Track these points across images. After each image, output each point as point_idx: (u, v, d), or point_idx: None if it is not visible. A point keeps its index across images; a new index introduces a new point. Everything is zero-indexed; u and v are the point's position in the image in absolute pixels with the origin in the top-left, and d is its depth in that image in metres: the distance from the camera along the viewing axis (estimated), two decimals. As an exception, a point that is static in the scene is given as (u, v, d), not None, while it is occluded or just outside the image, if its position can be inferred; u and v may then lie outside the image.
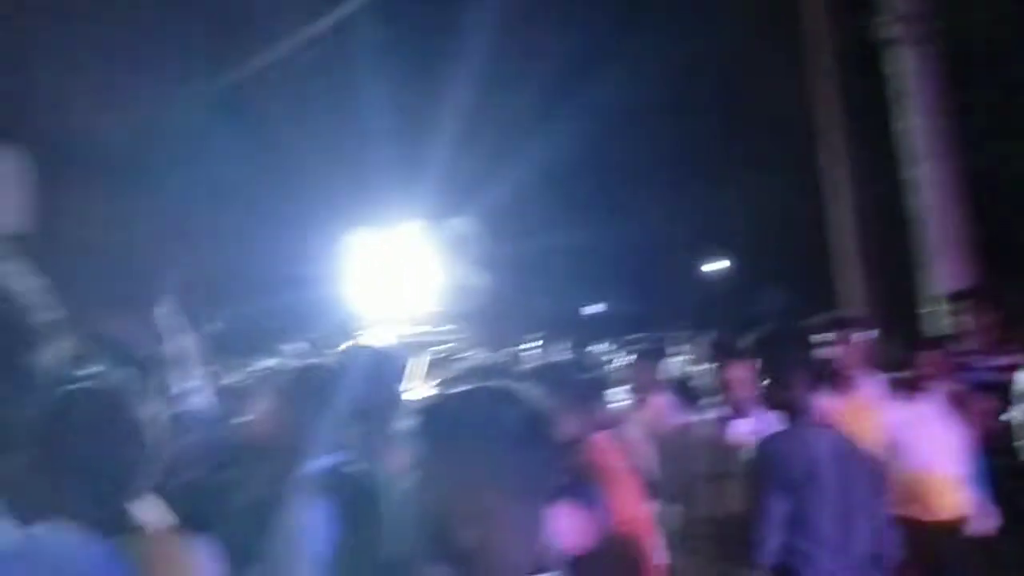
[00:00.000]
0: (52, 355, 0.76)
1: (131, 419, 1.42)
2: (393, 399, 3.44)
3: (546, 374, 2.42)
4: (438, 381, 4.39)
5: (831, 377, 3.61)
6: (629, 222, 12.84)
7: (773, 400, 2.55)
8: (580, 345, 5.66)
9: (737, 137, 12.38)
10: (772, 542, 2.36)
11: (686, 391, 4.02)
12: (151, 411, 2.11)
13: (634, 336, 4.83)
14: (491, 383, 1.29)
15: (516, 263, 11.13)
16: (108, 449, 1.35)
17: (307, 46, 9.26)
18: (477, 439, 1.14)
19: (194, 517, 2.21)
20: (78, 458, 1.33)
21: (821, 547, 2.36)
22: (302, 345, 4.64)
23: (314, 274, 9.63)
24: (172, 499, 2.19)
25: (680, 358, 4.78)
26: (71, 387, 1.49)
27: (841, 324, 3.78)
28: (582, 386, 2.57)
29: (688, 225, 13.72)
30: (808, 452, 2.40)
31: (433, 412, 1.22)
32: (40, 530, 0.78)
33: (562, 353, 5.51)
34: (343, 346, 2.57)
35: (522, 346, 5.92)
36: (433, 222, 10.15)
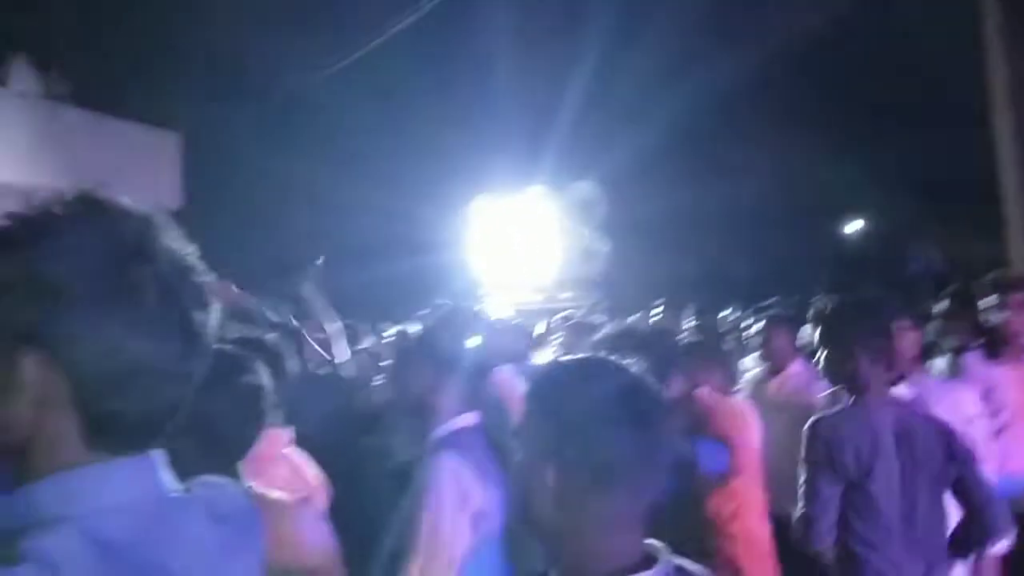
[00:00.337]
0: (215, 316, 0.81)
1: (248, 383, 1.44)
2: (518, 358, 3.42)
3: (624, 341, 2.30)
4: (562, 348, 4.36)
5: (997, 342, 3.27)
6: (760, 182, 12.27)
7: (832, 375, 2.36)
8: (706, 310, 5.42)
9: (886, 92, 11.54)
10: (824, 525, 2.19)
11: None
12: (290, 374, 2.19)
13: (767, 301, 4.57)
14: (594, 355, 1.22)
15: (641, 227, 10.89)
16: (222, 412, 1.37)
17: (432, 13, 9.32)
18: (556, 413, 1.07)
19: (338, 480, 2.29)
20: (192, 414, 1.37)
21: (886, 534, 2.17)
22: (430, 311, 4.71)
23: (438, 241, 9.82)
24: (319, 462, 2.27)
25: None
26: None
27: (1007, 286, 3.37)
28: (668, 353, 2.42)
29: (826, 184, 12.95)
30: (869, 432, 2.20)
31: (534, 381, 1.16)
32: (199, 482, 0.84)
33: (680, 319, 5.32)
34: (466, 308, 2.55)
35: (647, 312, 5.76)
36: (555, 187, 10.08)
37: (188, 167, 9.03)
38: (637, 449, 1.04)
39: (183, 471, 0.87)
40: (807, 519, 2.22)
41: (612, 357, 1.16)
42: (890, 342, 2.35)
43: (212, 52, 9.23)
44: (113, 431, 0.75)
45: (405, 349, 2.18)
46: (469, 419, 1.97)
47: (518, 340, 5.05)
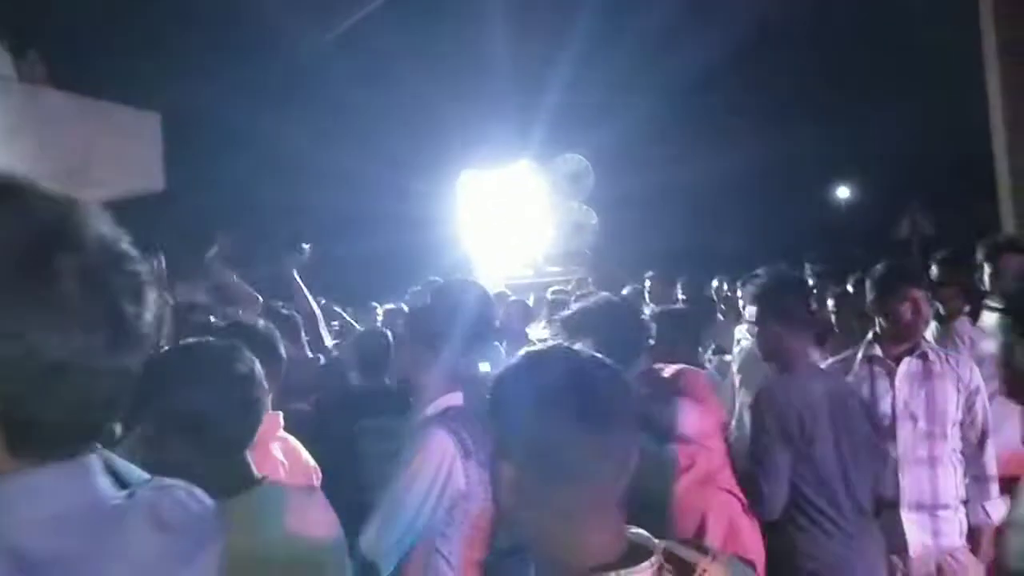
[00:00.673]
0: (152, 306, 0.73)
1: (237, 373, 1.41)
2: (510, 335, 3.40)
3: (586, 320, 2.27)
4: (548, 322, 4.36)
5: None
6: (749, 153, 12.23)
7: (767, 349, 2.46)
8: (694, 281, 5.42)
9: (875, 59, 11.49)
10: (778, 492, 2.26)
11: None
12: (281, 359, 2.18)
13: (755, 271, 4.55)
14: (548, 346, 1.18)
15: (629, 200, 10.86)
16: (213, 403, 1.34)
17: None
18: (503, 411, 1.05)
19: (335, 463, 2.28)
20: (183, 413, 1.34)
21: (831, 497, 2.26)
22: (423, 287, 4.69)
23: (428, 216, 9.77)
24: (319, 446, 2.26)
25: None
26: (184, 344, 1.52)
27: (998, 249, 3.35)
28: (630, 330, 2.39)
29: (814, 153, 12.93)
30: (805, 399, 2.29)
31: (493, 378, 1.12)
32: (146, 486, 0.75)
33: (671, 290, 5.32)
34: (453, 284, 2.52)
35: (633, 285, 5.76)
36: (544, 161, 10.02)
37: (169, 147, 8.89)
38: (586, 443, 0.99)
39: (182, 471, 0.83)
40: (761, 488, 2.27)
41: (568, 343, 1.13)
42: (811, 316, 2.43)
43: (191, 29, 9.08)
44: (37, 435, 0.68)
45: (398, 328, 2.17)
46: (456, 398, 1.96)
47: (514, 315, 5.04)
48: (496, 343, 3.57)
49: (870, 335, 2.71)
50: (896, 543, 2.47)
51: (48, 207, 0.70)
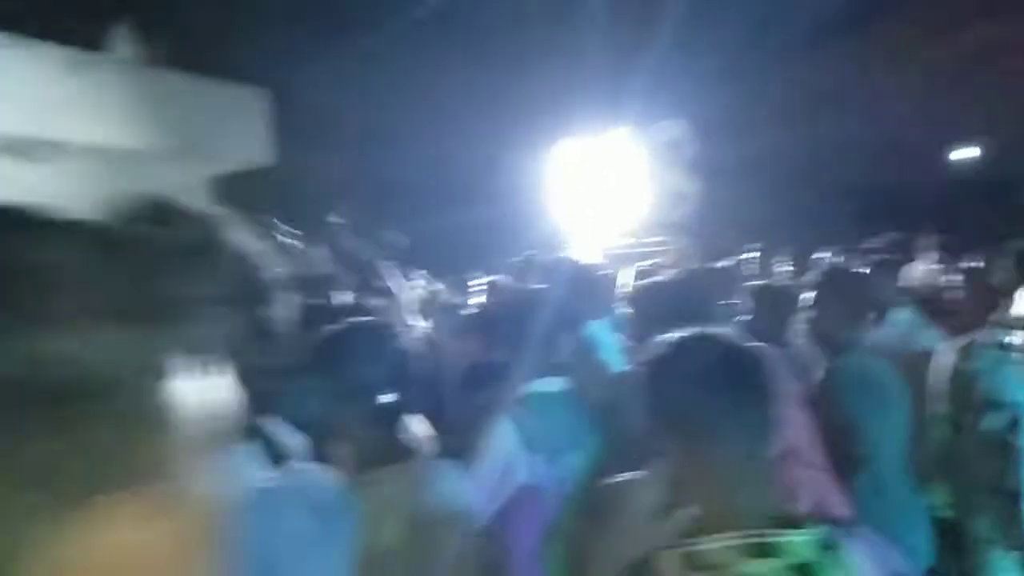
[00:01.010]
0: (284, 307, 0.84)
1: (398, 348, 1.54)
2: (602, 313, 3.36)
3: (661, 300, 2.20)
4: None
5: None
6: (862, 115, 11.54)
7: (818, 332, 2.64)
8: (804, 252, 5.17)
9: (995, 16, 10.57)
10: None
11: (932, 306, 3.51)
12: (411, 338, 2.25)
13: (871, 240, 4.30)
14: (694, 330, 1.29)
15: (733, 167, 10.47)
16: (380, 377, 1.46)
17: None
18: (664, 388, 1.23)
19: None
20: (354, 386, 1.44)
21: None
22: (515, 260, 4.69)
23: (521, 186, 9.74)
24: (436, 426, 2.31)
25: (926, 265, 4.17)
26: (350, 321, 1.65)
27: None
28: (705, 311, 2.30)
29: (931, 112, 12.08)
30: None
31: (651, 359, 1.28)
32: (287, 470, 0.84)
33: (777, 263, 5.10)
34: (550, 260, 2.50)
35: (740, 256, 5.56)
36: (642, 127, 9.77)
37: (277, 123, 9.22)
38: (743, 417, 1.17)
39: (350, 442, 0.90)
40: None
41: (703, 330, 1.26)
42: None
43: (296, 7, 9.32)
44: None
45: (488, 310, 2.16)
46: (552, 381, 1.94)
47: (606, 290, 4.98)
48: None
49: (997, 315, 2.51)
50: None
51: (193, 227, 0.80)
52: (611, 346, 2.13)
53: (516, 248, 5.40)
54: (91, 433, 0.42)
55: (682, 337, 1.27)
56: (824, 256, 5.33)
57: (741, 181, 10.87)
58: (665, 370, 1.21)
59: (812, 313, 2.61)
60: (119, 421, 0.44)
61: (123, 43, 8.87)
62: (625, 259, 6.77)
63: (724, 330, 1.30)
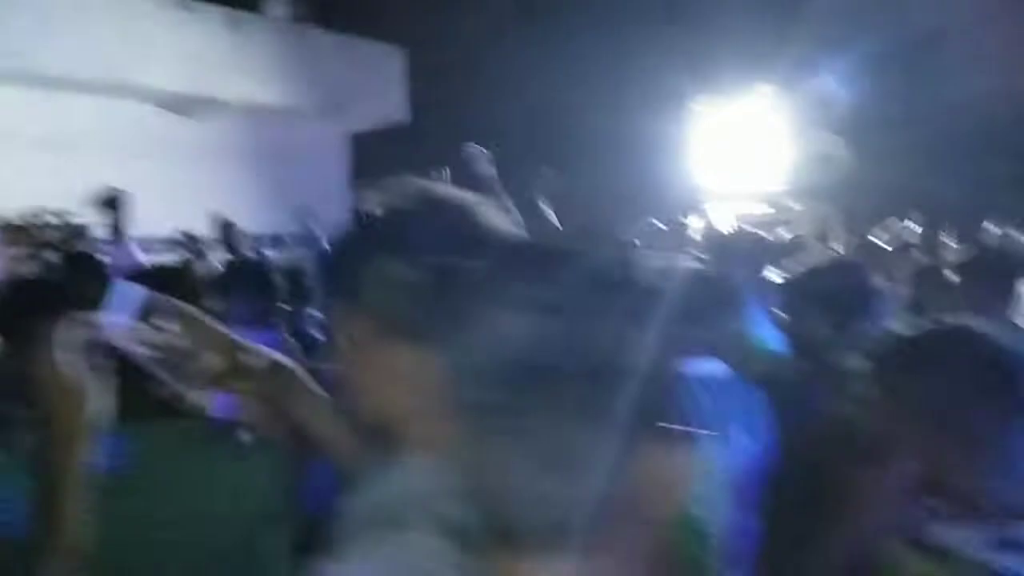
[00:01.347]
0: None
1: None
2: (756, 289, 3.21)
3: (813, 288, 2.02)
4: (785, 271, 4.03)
5: None
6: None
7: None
8: (970, 225, 4.72)
9: None
10: None
11: None
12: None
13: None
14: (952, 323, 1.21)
15: (886, 129, 9.72)
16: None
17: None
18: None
19: None
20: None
21: None
22: (645, 228, 4.56)
23: (657, 146, 9.47)
24: None
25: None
26: None
27: None
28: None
29: None
30: None
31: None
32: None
33: (932, 237, 4.70)
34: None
35: (892, 228, 5.16)
36: (786, 86, 9.24)
37: (413, 81, 9.41)
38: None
39: None
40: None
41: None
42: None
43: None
44: None
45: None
46: (709, 366, 1.83)
47: (752, 256, 4.75)
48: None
49: None
50: None
51: (456, 211, 0.87)
52: (766, 324, 2.04)
53: (650, 211, 5.26)
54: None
55: (948, 329, 1.19)
56: (993, 230, 4.86)
57: (894, 144, 10.08)
58: (930, 366, 1.12)
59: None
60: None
61: (276, 2, 9.30)
62: (762, 228, 6.45)
63: (987, 323, 1.20)
